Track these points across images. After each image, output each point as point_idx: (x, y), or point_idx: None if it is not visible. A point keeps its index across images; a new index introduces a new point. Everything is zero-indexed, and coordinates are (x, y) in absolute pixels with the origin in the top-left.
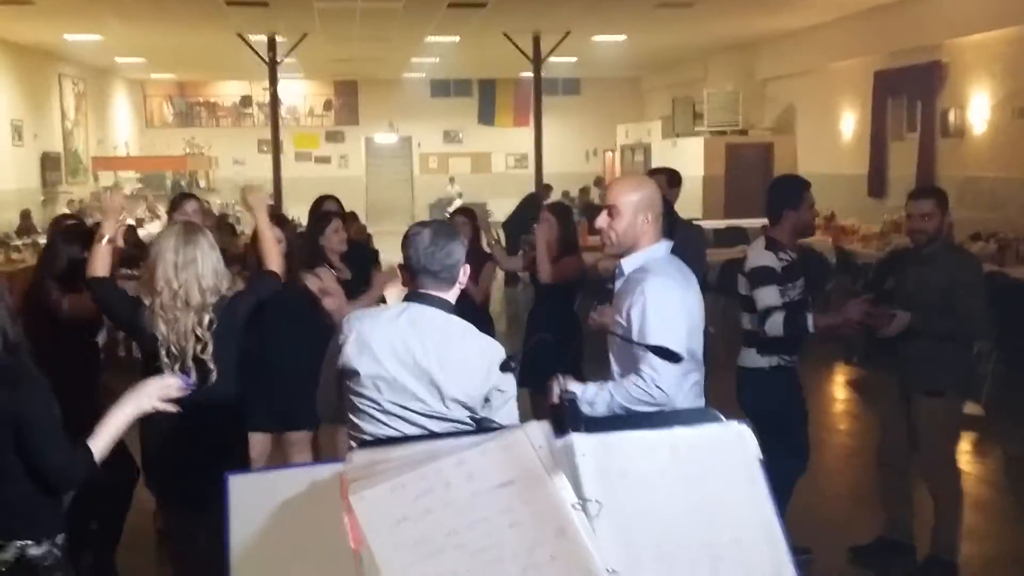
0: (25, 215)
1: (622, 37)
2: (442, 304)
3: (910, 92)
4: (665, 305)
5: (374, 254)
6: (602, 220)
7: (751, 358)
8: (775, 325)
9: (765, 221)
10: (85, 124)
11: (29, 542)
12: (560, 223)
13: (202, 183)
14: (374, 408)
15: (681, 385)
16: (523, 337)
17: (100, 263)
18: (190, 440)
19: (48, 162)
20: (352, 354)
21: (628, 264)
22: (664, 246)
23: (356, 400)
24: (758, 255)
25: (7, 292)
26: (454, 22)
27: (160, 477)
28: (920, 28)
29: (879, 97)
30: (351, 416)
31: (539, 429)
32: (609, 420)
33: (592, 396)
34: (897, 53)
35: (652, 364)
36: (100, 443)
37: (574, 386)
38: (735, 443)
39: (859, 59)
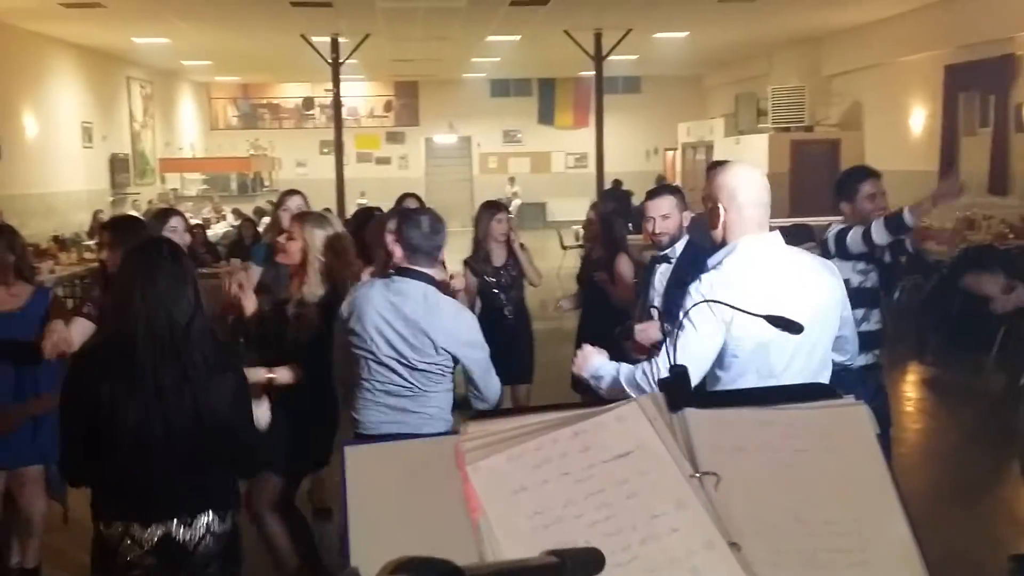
0: (96, 215)
1: (684, 33)
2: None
3: (982, 86)
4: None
5: None
6: None
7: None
8: (855, 236)
9: (832, 219)
10: (152, 126)
11: (235, 511)
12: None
13: (266, 184)
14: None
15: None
16: (575, 333)
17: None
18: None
19: (117, 164)
20: None
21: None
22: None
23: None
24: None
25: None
26: (515, 21)
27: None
28: (992, 21)
29: (950, 92)
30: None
31: (653, 401)
32: (721, 395)
33: (606, 371)
34: (968, 47)
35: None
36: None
37: (597, 359)
38: (852, 420)
39: (929, 53)
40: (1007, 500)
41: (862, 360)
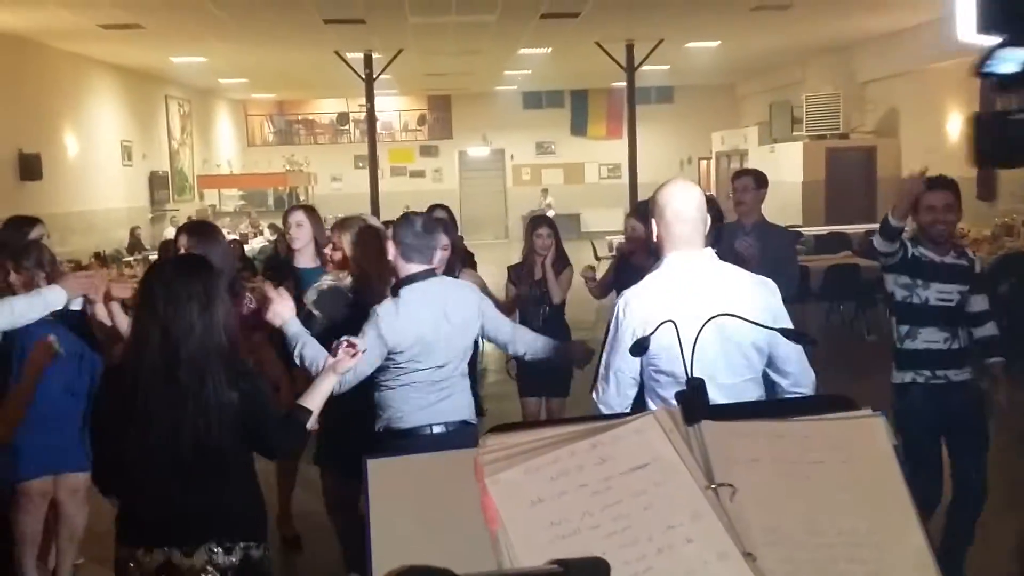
0: (134, 232)
1: (716, 43)
2: None
3: (1020, 91)
4: None
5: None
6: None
7: (893, 373)
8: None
9: (869, 227)
10: (190, 144)
11: (252, 543)
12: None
13: (303, 199)
14: None
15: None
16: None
17: None
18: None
19: (156, 181)
20: None
21: None
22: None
23: None
24: None
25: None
26: (546, 33)
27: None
28: None
29: (987, 96)
30: None
31: (669, 414)
32: (737, 407)
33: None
34: None
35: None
36: (315, 406)
37: None
38: (868, 432)
39: (965, 58)
40: None
41: (898, 379)
